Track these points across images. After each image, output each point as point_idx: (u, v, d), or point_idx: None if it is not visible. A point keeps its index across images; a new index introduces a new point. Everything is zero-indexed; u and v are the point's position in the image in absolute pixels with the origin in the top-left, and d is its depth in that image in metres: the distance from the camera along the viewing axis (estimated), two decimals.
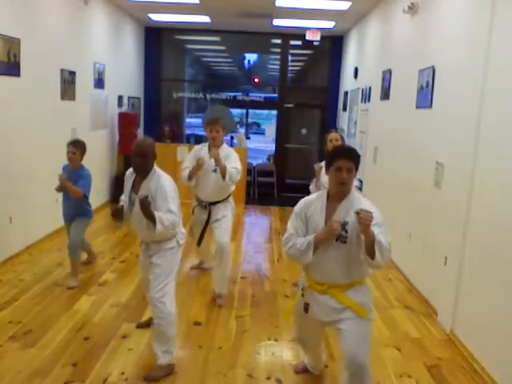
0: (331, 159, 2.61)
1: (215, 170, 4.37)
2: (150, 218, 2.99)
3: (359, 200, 2.64)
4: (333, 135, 4.54)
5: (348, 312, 2.63)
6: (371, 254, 2.44)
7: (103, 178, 8.08)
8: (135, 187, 3.19)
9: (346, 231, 2.56)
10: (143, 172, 3.14)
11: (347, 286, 2.65)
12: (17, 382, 2.99)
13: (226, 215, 4.49)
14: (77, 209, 4.57)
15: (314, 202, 2.72)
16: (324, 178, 4.15)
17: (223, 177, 4.30)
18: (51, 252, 5.46)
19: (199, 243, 4.66)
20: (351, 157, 2.60)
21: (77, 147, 4.50)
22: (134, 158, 3.10)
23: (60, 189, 4.49)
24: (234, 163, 4.40)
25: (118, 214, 3.24)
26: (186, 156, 4.89)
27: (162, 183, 3.10)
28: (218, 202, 4.51)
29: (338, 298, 2.65)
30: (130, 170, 3.27)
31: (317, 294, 2.71)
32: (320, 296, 2.70)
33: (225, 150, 4.47)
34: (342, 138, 4.63)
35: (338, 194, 2.64)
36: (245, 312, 4.26)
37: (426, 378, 3.31)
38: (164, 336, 3.13)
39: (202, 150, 4.55)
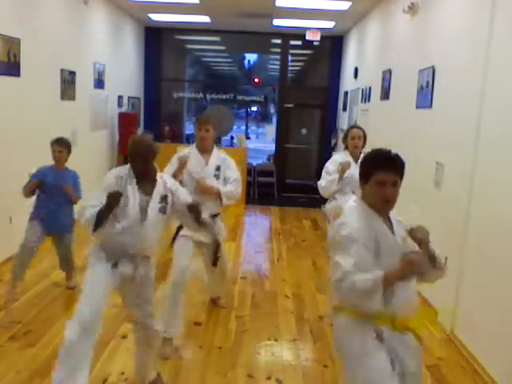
0: (370, 170, 2.09)
1: (217, 176, 3.72)
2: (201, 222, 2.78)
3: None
4: (355, 132, 4.03)
5: (419, 351, 2.16)
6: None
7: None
8: (143, 189, 2.71)
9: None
10: (147, 177, 2.75)
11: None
12: (17, 382, 2.99)
13: (221, 233, 3.91)
14: (65, 219, 4.17)
15: (369, 219, 2.08)
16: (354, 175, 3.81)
17: (221, 200, 3.69)
18: (51, 252, 5.44)
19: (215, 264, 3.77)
20: (396, 166, 2.09)
21: (63, 145, 4.16)
22: (134, 162, 2.72)
23: (32, 192, 4.07)
24: (233, 173, 3.77)
25: (117, 199, 2.59)
26: None
27: (179, 187, 2.88)
28: (218, 214, 3.85)
29: (418, 328, 2.13)
30: (120, 170, 2.79)
31: (400, 336, 2.07)
32: (404, 337, 2.08)
33: (218, 155, 3.80)
34: (365, 135, 4.12)
35: (381, 210, 2.13)
36: (245, 312, 4.26)
37: (425, 378, 3.31)
38: (154, 355, 3.02)
39: (190, 154, 3.76)
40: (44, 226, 4.11)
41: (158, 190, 2.74)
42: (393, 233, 2.11)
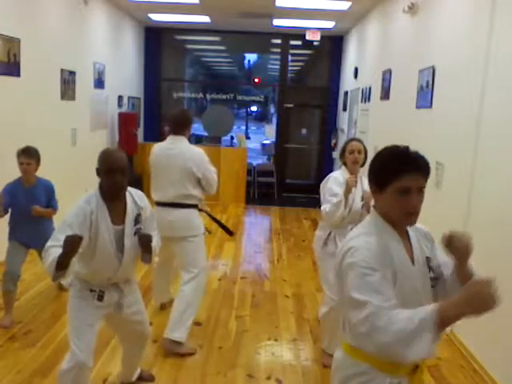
0: (387, 174, 1.60)
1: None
2: (150, 251, 2.53)
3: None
4: (354, 145, 3.40)
5: None
6: None
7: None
8: (115, 217, 2.46)
9: (433, 270, 1.71)
10: (122, 193, 2.50)
11: None
12: (17, 382, 3.00)
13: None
14: (46, 234, 3.53)
15: (386, 242, 1.61)
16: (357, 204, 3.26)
17: None
18: None
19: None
20: (421, 167, 1.61)
21: (31, 156, 3.72)
22: (114, 176, 2.39)
23: (5, 211, 3.69)
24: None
25: (76, 245, 2.19)
26: None
27: (147, 203, 2.63)
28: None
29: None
30: (89, 202, 2.42)
31: None
32: None
33: None
34: (366, 150, 3.47)
35: (400, 224, 1.66)
36: (245, 312, 4.26)
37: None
38: (142, 357, 3.04)
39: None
40: (24, 243, 3.81)
41: (130, 212, 2.51)
42: (412, 261, 1.65)
